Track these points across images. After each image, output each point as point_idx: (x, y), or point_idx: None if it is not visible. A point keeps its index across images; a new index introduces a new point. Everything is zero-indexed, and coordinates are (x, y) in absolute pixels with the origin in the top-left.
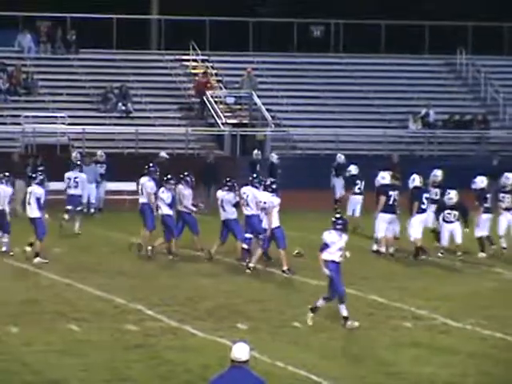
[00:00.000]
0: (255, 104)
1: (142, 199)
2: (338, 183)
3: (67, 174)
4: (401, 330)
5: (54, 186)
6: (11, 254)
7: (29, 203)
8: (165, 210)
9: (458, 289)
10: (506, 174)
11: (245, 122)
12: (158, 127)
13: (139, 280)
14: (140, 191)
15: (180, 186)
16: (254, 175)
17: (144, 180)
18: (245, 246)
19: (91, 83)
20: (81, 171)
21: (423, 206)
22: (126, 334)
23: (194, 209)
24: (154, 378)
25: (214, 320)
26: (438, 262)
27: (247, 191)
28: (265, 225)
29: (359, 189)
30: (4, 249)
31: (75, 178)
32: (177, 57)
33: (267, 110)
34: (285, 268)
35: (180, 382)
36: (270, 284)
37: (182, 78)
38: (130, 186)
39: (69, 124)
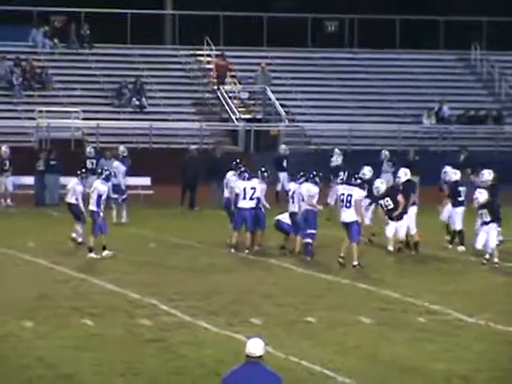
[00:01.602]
0: (269, 99)
1: (227, 194)
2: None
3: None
4: (415, 325)
5: (67, 181)
6: (80, 240)
7: (91, 197)
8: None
9: (472, 284)
10: (484, 170)
11: (259, 117)
12: (172, 122)
13: (153, 275)
14: (225, 186)
15: (255, 180)
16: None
17: (229, 175)
18: (309, 241)
19: (105, 78)
20: (122, 162)
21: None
22: (140, 328)
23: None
24: (168, 373)
25: (228, 315)
26: (450, 258)
27: (302, 186)
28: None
29: (342, 179)
30: (74, 235)
31: (115, 168)
32: (191, 52)
33: (281, 105)
34: (355, 263)
35: (193, 377)
36: (283, 279)
37: (197, 73)
38: (145, 180)
39: (83, 119)
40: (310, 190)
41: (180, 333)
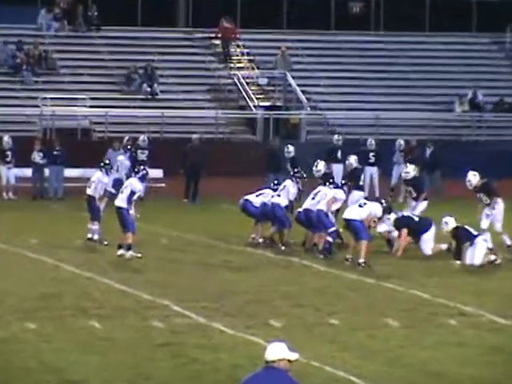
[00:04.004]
0: (289, 85)
1: None
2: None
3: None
4: (445, 327)
5: (74, 172)
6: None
7: (121, 192)
8: (279, 200)
9: (505, 284)
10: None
11: (278, 104)
12: (185, 110)
13: (165, 274)
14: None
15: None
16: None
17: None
18: (330, 239)
19: (114, 63)
20: (128, 156)
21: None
22: (151, 331)
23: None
24: (181, 378)
25: (245, 317)
26: None
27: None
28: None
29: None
30: (96, 237)
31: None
32: (206, 35)
33: (302, 91)
34: (360, 261)
35: (208, 382)
36: (304, 278)
37: (212, 57)
38: (156, 173)
39: (90, 106)
40: (337, 193)
41: (194, 336)
